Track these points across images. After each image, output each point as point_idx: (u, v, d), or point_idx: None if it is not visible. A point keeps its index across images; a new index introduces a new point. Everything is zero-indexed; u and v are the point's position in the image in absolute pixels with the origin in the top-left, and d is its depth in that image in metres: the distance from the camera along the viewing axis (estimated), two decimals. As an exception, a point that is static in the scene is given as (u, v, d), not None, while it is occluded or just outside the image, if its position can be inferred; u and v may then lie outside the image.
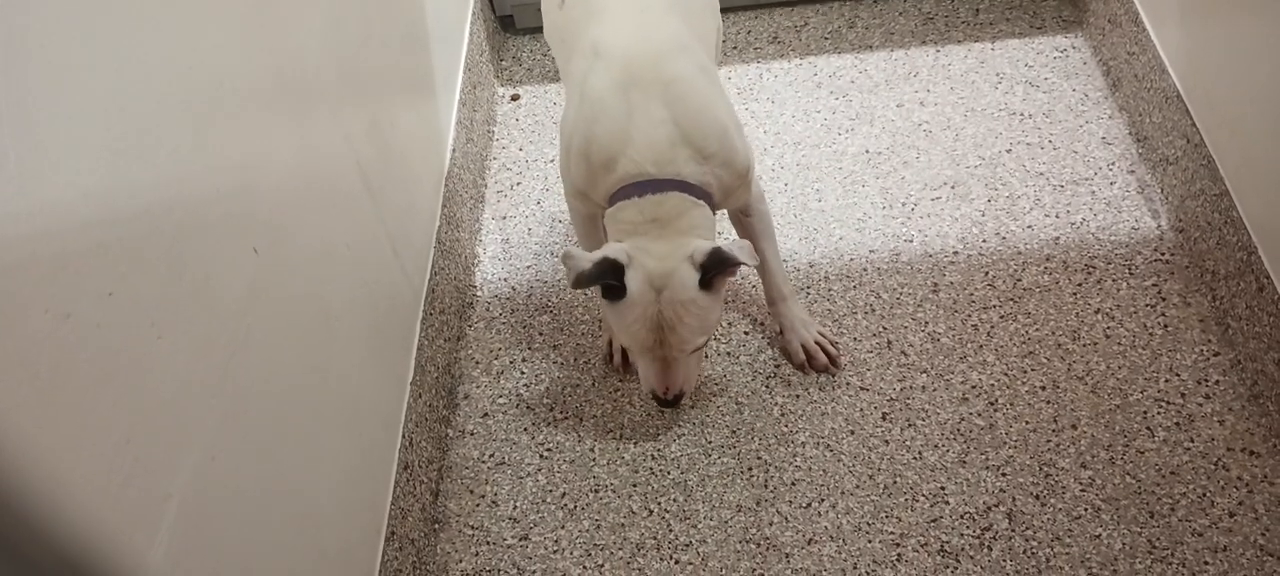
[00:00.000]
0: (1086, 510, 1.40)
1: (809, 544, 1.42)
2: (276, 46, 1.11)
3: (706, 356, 1.64)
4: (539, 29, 2.29)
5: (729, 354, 1.65)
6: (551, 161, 2.01)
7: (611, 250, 1.27)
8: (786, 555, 1.41)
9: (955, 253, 1.73)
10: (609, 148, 1.28)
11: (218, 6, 0.97)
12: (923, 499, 1.44)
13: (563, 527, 1.48)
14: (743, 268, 1.28)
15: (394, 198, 1.46)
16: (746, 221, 1.52)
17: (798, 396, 1.58)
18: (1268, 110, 1.41)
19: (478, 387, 1.67)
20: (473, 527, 1.50)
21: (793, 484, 1.48)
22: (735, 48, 2.18)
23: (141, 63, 0.83)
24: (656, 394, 1.37)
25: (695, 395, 1.61)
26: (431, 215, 1.66)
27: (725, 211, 1.52)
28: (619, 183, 1.30)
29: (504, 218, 1.93)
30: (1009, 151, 1.87)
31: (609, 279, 1.26)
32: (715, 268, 1.26)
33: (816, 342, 1.59)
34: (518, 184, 1.99)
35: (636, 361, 1.38)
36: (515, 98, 2.18)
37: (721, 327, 1.68)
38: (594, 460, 1.55)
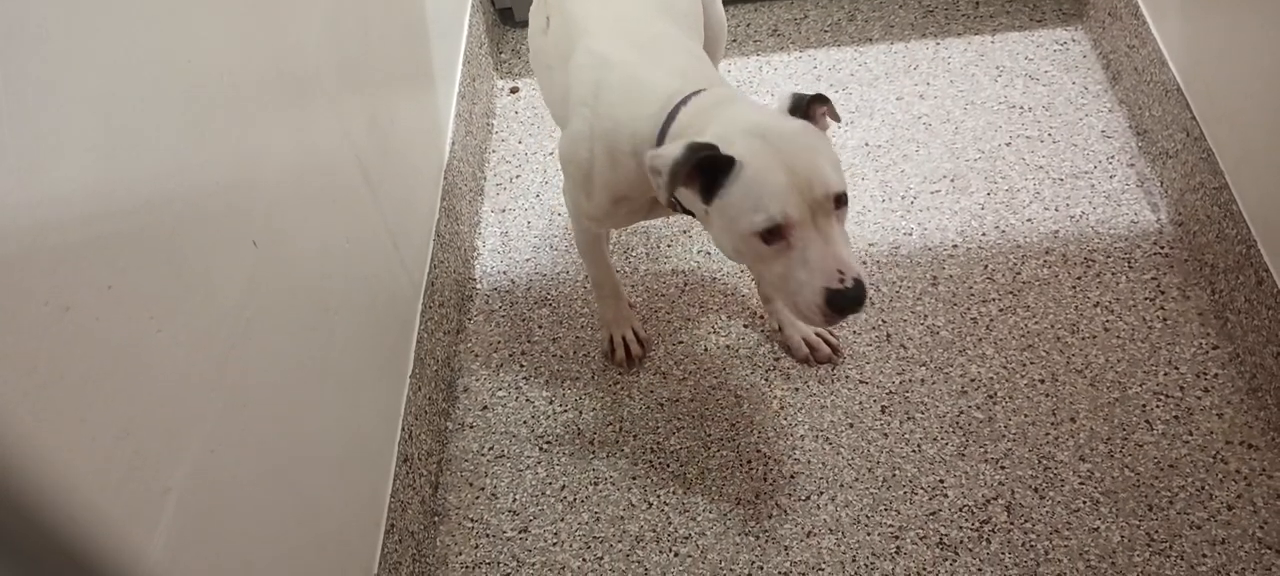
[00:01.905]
0: (1085, 503, 1.40)
1: (808, 536, 1.42)
2: (276, 40, 1.11)
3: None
4: (538, 22, 2.28)
5: (728, 347, 1.65)
6: (551, 155, 2.01)
7: (690, 140, 1.08)
8: (785, 548, 1.41)
9: (954, 246, 1.73)
10: (638, 111, 1.20)
11: (217, 0, 0.97)
12: (921, 491, 1.44)
13: (562, 520, 1.48)
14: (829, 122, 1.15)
15: (393, 191, 1.46)
16: None
17: (797, 389, 1.58)
18: (1268, 103, 1.41)
19: (477, 380, 1.67)
20: (472, 520, 1.50)
21: (792, 477, 1.48)
22: (735, 41, 2.18)
23: (141, 56, 0.83)
24: (833, 287, 1.05)
25: (694, 388, 1.61)
26: (431, 208, 1.66)
27: None
28: (654, 123, 1.19)
29: (503, 211, 1.93)
30: (1008, 145, 1.87)
31: (709, 154, 1.06)
32: (808, 106, 1.13)
33: (817, 335, 1.59)
34: (517, 177, 1.99)
35: (777, 270, 1.09)
36: (514, 90, 2.17)
37: (722, 318, 1.68)
38: (593, 453, 1.56)
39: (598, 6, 1.33)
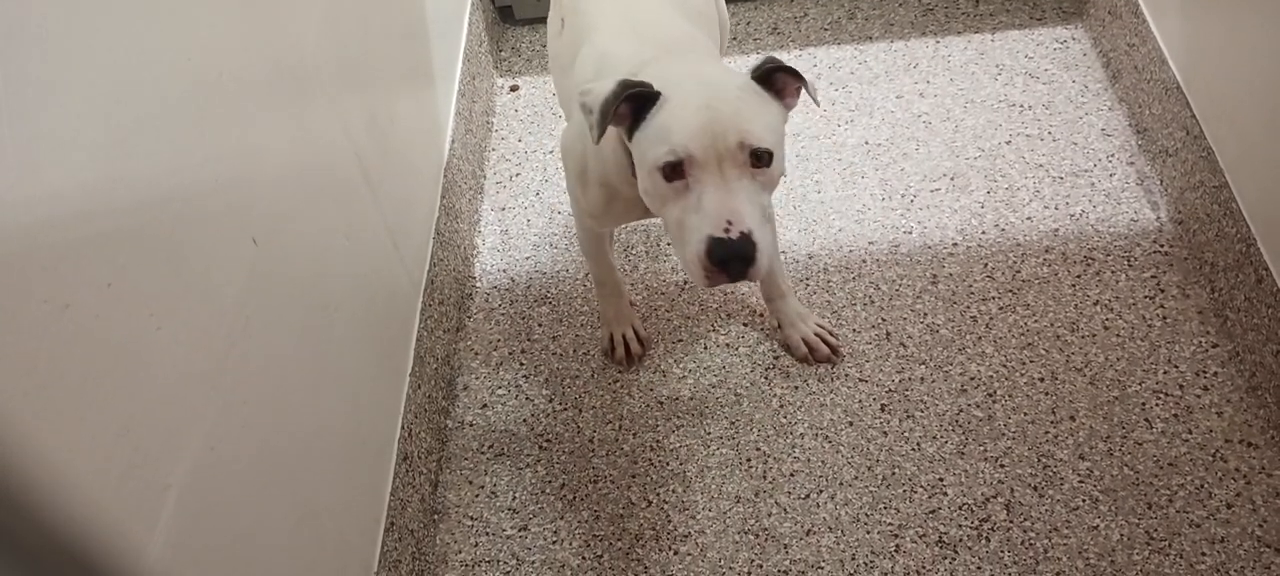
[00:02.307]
0: (1085, 501, 1.40)
1: (807, 535, 1.42)
2: (275, 37, 1.10)
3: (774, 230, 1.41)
4: (537, 20, 2.28)
5: (728, 345, 1.65)
6: (551, 153, 2.01)
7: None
8: (785, 546, 1.41)
9: (954, 244, 1.73)
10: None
11: (216, -3, 0.97)
12: (921, 490, 1.44)
13: (562, 518, 1.49)
14: (797, 100, 1.11)
15: (393, 189, 1.46)
16: None
17: (796, 387, 1.58)
18: (1267, 102, 1.41)
19: (477, 378, 1.67)
20: (472, 518, 1.50)
21: (791, 475, 1.48)
22: (735, 39, 2.18)
23: (140, 54, 0.83)
24: (715, 235, 1.01)
25: (694, 387, 1.61)
26: (430, 206, 1.66)
27: None
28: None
29: (503, 209, 1.93)
30: (1008, 143, 1.87)
31: (638, 88, 1.05)
32: (769, 74, 1.09)
33: (816, 334, 1.59)
34: (517, 175, 1.99)
35: (676, 214, 1.06)
36: (514, 89, 2.17)
37: (721, 317, 1.68)
38: (593, 451, 1.56)
39: (610, 7, 1.33)
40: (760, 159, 1.04)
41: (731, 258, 1.02)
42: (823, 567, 1.39)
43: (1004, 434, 1.48)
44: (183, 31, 0.90)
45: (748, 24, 2.21)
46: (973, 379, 1.55)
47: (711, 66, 1.13)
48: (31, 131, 0.69)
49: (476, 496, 1.53)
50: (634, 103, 1.07)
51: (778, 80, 1.11)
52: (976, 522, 1.40)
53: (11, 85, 0.67)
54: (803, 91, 1.13)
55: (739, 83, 1.08)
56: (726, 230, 1.01)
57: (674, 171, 1.04)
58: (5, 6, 0.67)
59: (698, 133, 1.02)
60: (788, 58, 2.11)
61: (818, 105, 1.14)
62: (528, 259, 1.84)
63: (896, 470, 1.47)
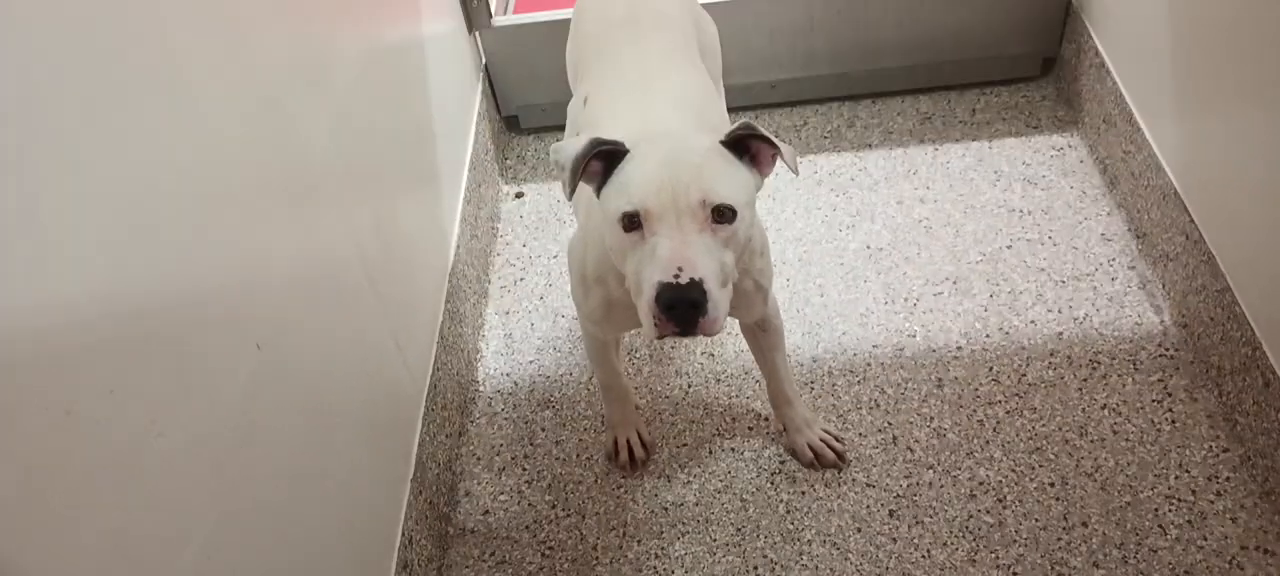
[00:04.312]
0: (1100, 612, 1.37)
1: (816, 647, 1.38)
2: (283, 143, 1.13)
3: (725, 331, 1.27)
4: (542, 128, 2.33)
5: (733, 450, 1.63)
6: (555, 258, 2.03)
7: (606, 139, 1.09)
8: (794, 659, 1.37)
9: (959, 348, 1.72)
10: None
11: (224, 103, 0.99)
12: (932, 600, 1.41)
13: (564, 630, 1.45)
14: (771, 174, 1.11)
15: (397, 293, 1.47)
16: (760, 335, 1.50)
17: (803, 493, 1.56)
18: (1264, 206, 1.43)
19: (479, 484, 1.65)
20: (472, 630, 1.46)
21: (799, 584, 1.45)
22: (736, 146, 2.21)
23: (147, 159, 0.85)
24: (664, 281, 1.01)
25: (699, 492, 1.58)
26: (435, 310, 1.67)
27: (737, 323, 1.51)
28: None
29: (507, 313, 1.93)
30: (1009, 247, 1.89)
31: (608, 146, 1.08)
32: (740, 141, 1.09)
33: (822, 440, 1.58)
34: (521, 279, 2.00)
35: (637, 261, 1.06)
36: (519, 195, 2.20)
37: (726, 421, 1.67)
38: (597, 559, 1.53)
39: (625, 117, 1.34)
40: (723, 215, 1.05)
41: (679, 301, 1.01)
42: (833, 682, 1.34)
43: (1015, 541, 1.46)
44: (192, 139, 0.92)
45: (749, 131, 2.25)
46: (982, 484, 1.53)
47: (690, 132, 1.15)
48: (38, 238, 0.70)
49: (477, 607, 1.49)
50: (605, 160, 1.10)
51: (752, 146, 1.12)
52: (990, 634, 1.36)
53: (20, 191, 0.68)
54: (779, 161, 1.13)
55: (707, 144, 1.09)
56: (676, 276, 1.01)
57: (632, 222, 1.05)
58: (17, 112, 0.69)
59: (657, 188, 1.03)
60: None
61: (795, 173, 1.14)
62: (531, 363, 1.83)
63: (906, 579, 1.44)
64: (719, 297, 1.04)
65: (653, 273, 1.02)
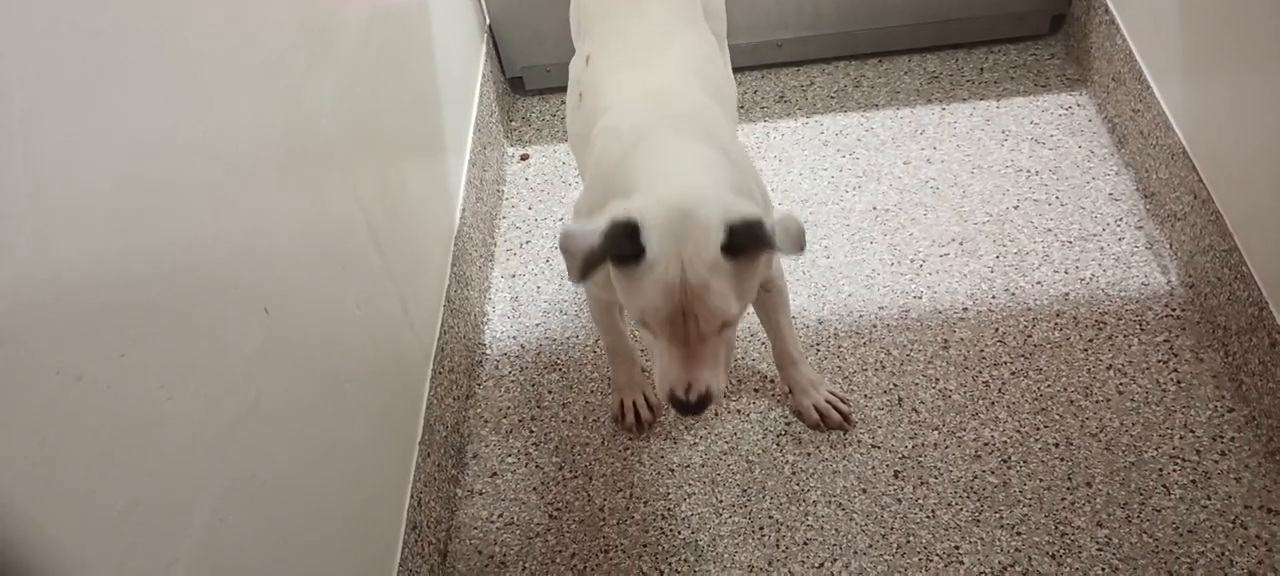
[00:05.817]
0: (1103, 570, 1.38)
1: (822, 605, 1.40)
2: (290, 109, 1.12)
3: (733, 359, 1.39)
4: (547, 90, 2.32)
5: (739, 411, 1.64)
6: (561, 220, 2.02)
7: (619, 211, 1.06)
8: (799, 617, 1.39)
9: (965, 309, 1.72)
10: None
11: (230, 71, 0.99)
12: (936, 558, 1.42)
13: (572, 589, 1.47)
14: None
15: (404, 257, 1.47)
16: (765, 297, 1.50)
17: (809, 454, 1.57)
18: (1273, 165, 1.42)
19: (486, 447, 1.67)
20: (481, 589, 1.48)
21: (805, 543, 1.46)
22: (742, 107, 2.20)
23: (154, 127, 0.85)
24: (676, 395, 1.10)
25: (705, 454, 1.60)
26: (441, 274, 1.67)
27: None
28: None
29: (513, 276, 1.94)
30: (1016, 208, 1.88)
31: (623, 247, 1.05)
32: (745, 241, 1.05)
33: (827, 401, 1.58)
34: (527, 242, 2.00)
35: (653, 351, 1.15)
36: (525, 157, 2.20)
37: (731, 384, 1.68)
38: (603, 520, 1.54)
39: (629, 80, 1.34)
40: (725, 324, 1.10)
41: (689, 413, 1.12)
42: (838, 639, 1.36)
43: (1020, 501, 1.46)
44: (197, 105, 0.92)
45: (755, 93, 2.24)
46: (986, 444, 1.54)
47: (702, 176, 1.11)
48: (46, 205, 0.70)
49: (486, 566, 1.51)
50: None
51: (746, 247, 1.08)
52: (994, 592, 1.38)
53: (28, 159, 0.69)
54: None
55: (711, 256, 1.04)
56: (686, 392, 1.10)
57: (645, 324, 1.11)
58: (23, 80, 0.69)
59: (667, 315, 1.06)
60: (794, 126, 2.13)
61: (800, 255, 1.13)
62: (538, 326, 1.84)
63: (911, 538, 1.45)
64: (722, 386, 1.13)
65: (665, 376, 1.11)
